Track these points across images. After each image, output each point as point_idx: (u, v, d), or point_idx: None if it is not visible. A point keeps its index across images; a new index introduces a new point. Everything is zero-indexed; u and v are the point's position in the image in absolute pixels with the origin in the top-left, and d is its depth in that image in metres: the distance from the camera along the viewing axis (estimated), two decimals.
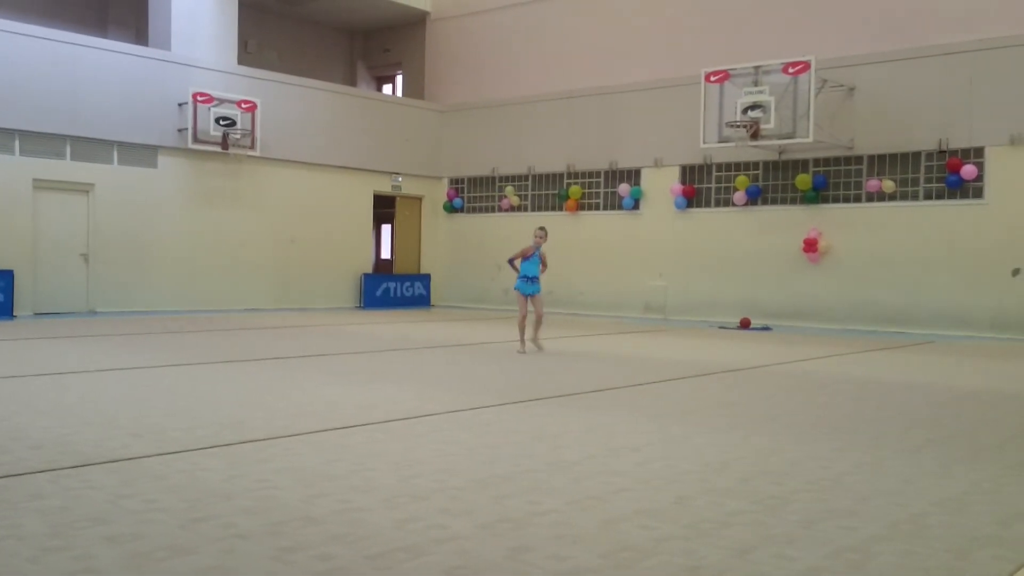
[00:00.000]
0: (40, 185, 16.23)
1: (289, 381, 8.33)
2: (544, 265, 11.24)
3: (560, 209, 20.38)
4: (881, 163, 16.10)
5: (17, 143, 15.92)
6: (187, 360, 9.80)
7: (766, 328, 16.47)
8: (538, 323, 11.14)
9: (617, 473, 4.83)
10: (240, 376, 8.63)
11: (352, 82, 24.96)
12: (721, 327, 16.74)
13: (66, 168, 16.51)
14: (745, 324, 16.73)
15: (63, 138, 16.43)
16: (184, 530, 3.70)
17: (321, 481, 4.53)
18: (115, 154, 17.16)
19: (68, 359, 9.74)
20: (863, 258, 16.21)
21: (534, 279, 11.03)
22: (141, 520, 3.83)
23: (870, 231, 16.14)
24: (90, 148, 16.80)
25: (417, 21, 23.55)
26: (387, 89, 25.75)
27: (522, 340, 11.09)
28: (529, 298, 11.03)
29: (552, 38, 20.91)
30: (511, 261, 11.33)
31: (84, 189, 16.83)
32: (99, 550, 3.44)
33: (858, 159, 16.33)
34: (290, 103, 19.69)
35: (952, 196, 15.42)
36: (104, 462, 4.88)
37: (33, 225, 16.17)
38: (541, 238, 11.10)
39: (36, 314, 16.10)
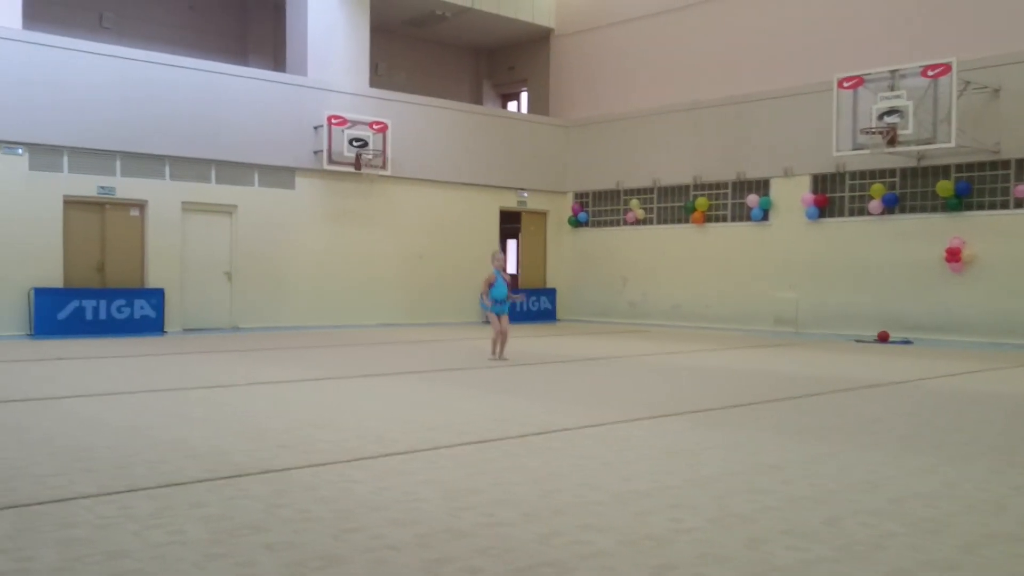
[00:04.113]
0: (188, 207, 17.14)
1: (425, 394, 8.51)
2: (507, 282, 12.35)
3: (687, 221, 20.14)
4: None
5: (168, 168, 16.86)
6: (327, 374, 10.14)
7: (907, 342, 15.80)
8: (504, 338, 12.31)
9: (760, 491, 4.73)
10: (378, 389, 8.87)
11: (478, 100, 25.37)
12: (858, 340, 16.16)
13: (211, 191, 17.39)
14: (883, 338, 16.10)
15: (208, 162, 17.32)
16: (337, 540, 3.83)
17: (464, 494, 4.61)
18: (256, 177, 17.97)
19: (216, 373, 10.23)
20: (1012, 267, 15.35)
21: (503, 301, 12.25)
22: (296, 529, 3.98)
23: (1020, 239, 15.28)
24: (233, 171, 17.65)
25: (541, 38, 23.75)
26: (512, 106, 26.04)
27: (494, 351, 12.33)
28: (500, 317, 12.23)
29: (676, 49, 20.71)
30: (483, 297, 12.39)
31: (228, 211, 17.68)
32: (259, 557, 3.60)
33: (1005, 163, 15.51)
34: (419, 123, 20.17)
35: None
36: (257, 472, 5.10)
37: (181, 245, 17.08)
38: (499, 262, 12.45)
39: (185, 330, 16.97)
